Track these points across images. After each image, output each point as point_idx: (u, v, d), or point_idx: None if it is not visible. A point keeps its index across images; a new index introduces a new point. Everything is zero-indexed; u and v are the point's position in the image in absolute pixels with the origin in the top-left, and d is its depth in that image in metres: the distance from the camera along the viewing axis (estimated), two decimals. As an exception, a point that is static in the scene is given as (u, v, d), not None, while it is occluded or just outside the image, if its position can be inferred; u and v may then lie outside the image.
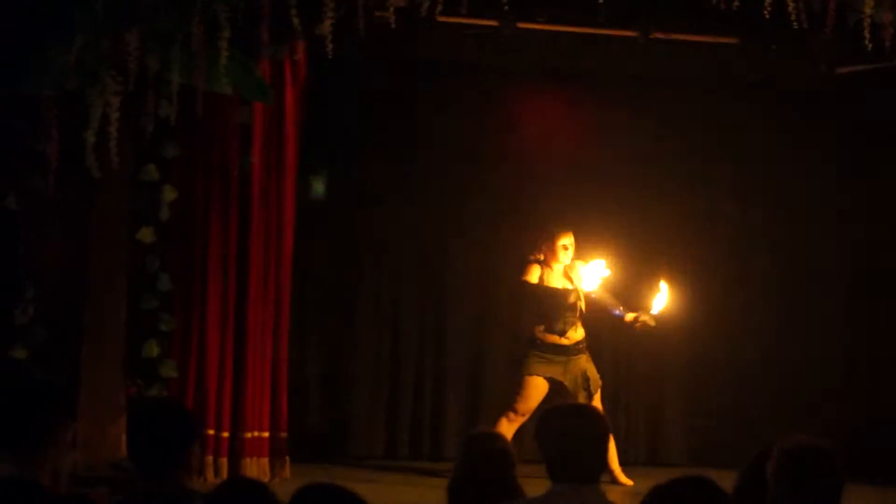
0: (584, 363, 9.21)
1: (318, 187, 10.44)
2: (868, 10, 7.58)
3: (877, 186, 10.54)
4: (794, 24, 7.85)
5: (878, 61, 8.89)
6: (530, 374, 9.19)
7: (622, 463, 10.38)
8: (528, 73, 10.42)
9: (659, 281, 9.43)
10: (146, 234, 8.51)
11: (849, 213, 10.73)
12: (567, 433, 4.28)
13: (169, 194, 8.55)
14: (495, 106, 10.57)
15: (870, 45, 7.84)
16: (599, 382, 9.19)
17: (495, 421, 9.04)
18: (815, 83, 10.22)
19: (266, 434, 8.90)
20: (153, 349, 8.49)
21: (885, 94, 10.14)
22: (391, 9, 7.61)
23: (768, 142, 10.77)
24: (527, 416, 9.05)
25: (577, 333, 9.22)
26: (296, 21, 7.50)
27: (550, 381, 9.17)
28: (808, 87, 10.38)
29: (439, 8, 7.45)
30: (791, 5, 7.59)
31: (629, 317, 9.33)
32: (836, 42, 8.68)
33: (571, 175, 10.55)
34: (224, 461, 8.73)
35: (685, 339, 10.16)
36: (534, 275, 9.26)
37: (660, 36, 9.34)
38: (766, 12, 7.37)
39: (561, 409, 4.47)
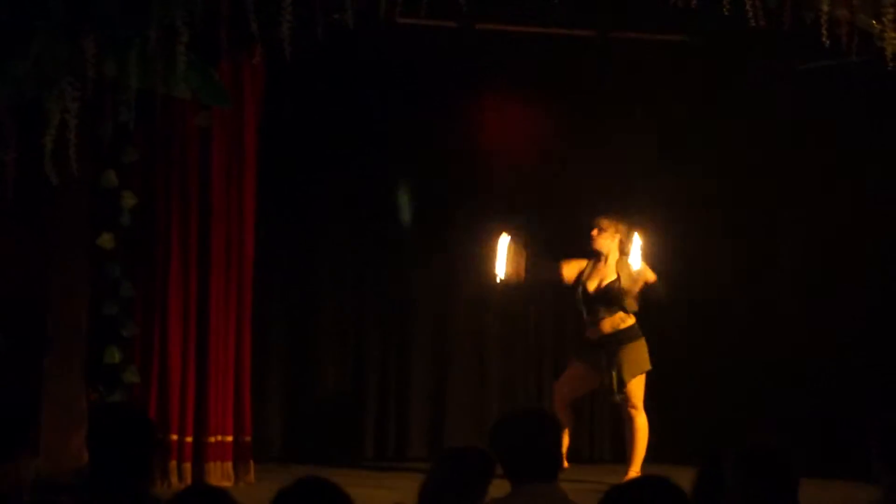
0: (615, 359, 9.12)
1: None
2: (825, 7, 7.63)
3: (838, 183, 10.58)
4: (752, 21, 7.90)
5: (835, 58, 8.93)
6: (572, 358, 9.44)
7: (587, 460, 10.49)
8: (488, 76, 10.45)
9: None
10: (107, 241, 8.47)
11: (811, 208, 10.78)
12: (522, 438, 4.31)
13: (129, 200, 8.52)
14: (455, 107, 10.59)
15: (827, 42, 7.89)
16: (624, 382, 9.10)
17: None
18: (774, 81, 10.27)
19: (230, 438, 8.89)
20: (115, 355, 8.46)
21: (844, 90, 10.20)
22: (349, 11, 7.60)
23: (727, 139, 10.80)
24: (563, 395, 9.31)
25: (604, 327, 9.19)
26: (254, 25, 7.49)
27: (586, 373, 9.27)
28: (767, 85, 10.43)
29: (398, 10, 7.46)
30: (748, 3, 7.63)
31: None
32: (794, 39, 8.73)
33: (531, 178, 10.62)
34: (188, 466, 8.70)
35: (649, 337, 10.14)
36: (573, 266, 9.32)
37: (618, 35, 9.37)
38: (725, 10, 7.39)
39: (513, 414, 4.49)
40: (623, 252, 9.20)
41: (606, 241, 9.24)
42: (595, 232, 9.24)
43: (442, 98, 10.59)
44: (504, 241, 9.22)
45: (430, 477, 4.59)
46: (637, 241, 9.11)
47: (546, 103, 10.69)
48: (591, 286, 9.22)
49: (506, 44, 9.76)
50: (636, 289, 9.14)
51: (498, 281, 9.23)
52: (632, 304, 9.13)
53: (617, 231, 9.24)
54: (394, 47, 9.68)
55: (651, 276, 9.16)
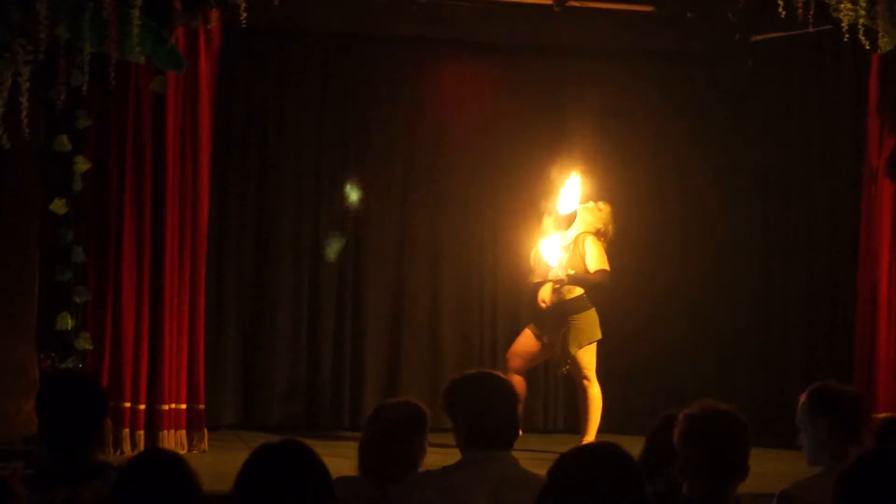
0: (563, 332, 9.07)
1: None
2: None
3: (789, 154, 10.63)
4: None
5: (792, 29, 8.95)
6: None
7: (541, 430, 10.52)
8: (444, 44, 10.44)
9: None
10: (59, 206, 8.40)
11: (761, 181, 10.83)
12: (475, 401, 4.29)
13: (81, 165, 8.45)
14: (409, 76, 10.58)
15: (784, 13, 7.91)
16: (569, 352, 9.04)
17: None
18: (730, 51, 10.30)
19: (183, 406, 8.84)
20: (67, 321, 8.39)
21: (798, 61, 10.24)
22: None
23: (682, 109, 10.83)
24: (515, 365, 9.18)
25: (550, 297, 9.10)
26: (209, -11, 7.45)
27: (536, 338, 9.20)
28: (723, 56, 10.46)
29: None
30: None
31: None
32: (751, 10, 8.75)
33: (486, 146, 10.62)
34: (141, 434, 8.65)
35: (604, 309, 10.17)
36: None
37: (575, 4, 9.35)
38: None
39: (468, 378, 4.46)
40: (597, 233, 9.16)
41: (585, 217, 9.18)
42: (582, 208, 9.19)
43: (398, 65, 10.58)
44: (553, 244, 9.13)
45: (365, 434, 4.62)
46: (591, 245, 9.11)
47: (504, 73, 10.70)
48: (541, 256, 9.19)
49: (463, 11, 9.71)
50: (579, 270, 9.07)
51: (535, 281, 9.15)
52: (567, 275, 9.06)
53: (598, 219, 9.19)
54: (350, 14, 9.64)
55: (596, 270, 9.07)
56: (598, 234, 9.16)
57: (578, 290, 9.07)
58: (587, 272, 9.03)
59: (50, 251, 8.45)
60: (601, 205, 9.21)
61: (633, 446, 3.69)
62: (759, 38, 10.01)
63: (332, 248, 10.45)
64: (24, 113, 7.31)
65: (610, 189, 9.60)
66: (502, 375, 4.54)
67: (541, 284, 9.10)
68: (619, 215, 9.46)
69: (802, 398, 4.69)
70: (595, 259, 9.04)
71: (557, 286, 9.01)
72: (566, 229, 9.17)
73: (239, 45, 9.47)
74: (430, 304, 10.70)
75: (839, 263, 10.10)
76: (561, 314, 9.01)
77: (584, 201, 9.21)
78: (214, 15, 8.54)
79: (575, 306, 9.02)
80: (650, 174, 10.82)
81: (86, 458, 4.16)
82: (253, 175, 10.39)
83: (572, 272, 8.98)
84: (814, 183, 10.44)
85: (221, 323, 10.20)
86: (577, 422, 9.32)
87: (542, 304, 9.09)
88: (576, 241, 9.09)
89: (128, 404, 8.63)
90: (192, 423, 8.92)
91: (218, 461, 7.93)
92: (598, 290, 9.12)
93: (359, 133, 10.57)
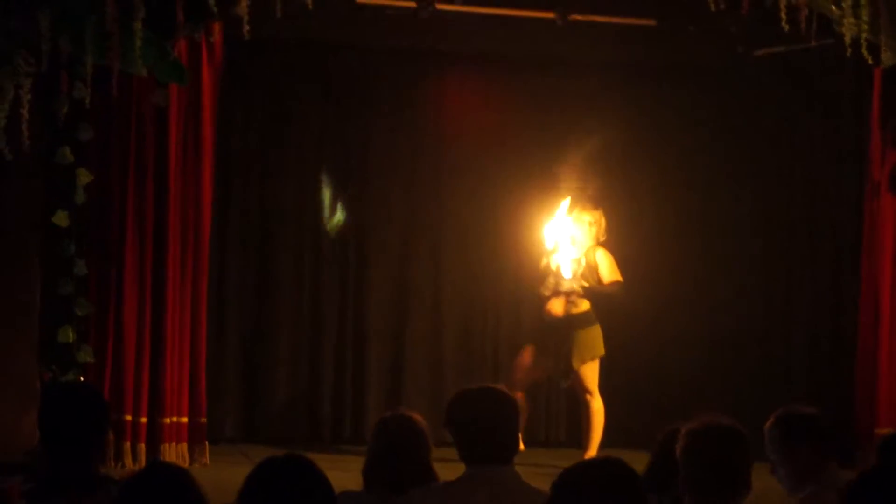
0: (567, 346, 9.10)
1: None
2: (784, -9, 7.66)
3: (791, 168, 10.63)
4: (712, 5, 7.91)
5: (794, 43, 8.95)
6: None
7: (543, 443, 10.49)
8: (447, 57, 10.44)
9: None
10: (61, 218, 8.39)
11: (764, 195, 10.82)
12: (478, 415, 4.29)
13: (84, 177, 8.44)
14: (412, 89, 10.58)
15: (786, 27, 7.91)
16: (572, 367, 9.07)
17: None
18: (732, 65, 10.30)
19: (185, 419, 8.84)
20: (69, 334, 8.38)
21: (801, 75, 10.24)
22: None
23: (684, 122, 10.82)
24: (518, 379, 9.17)
25: (558, 309, 9.14)
26: (211, 1, 7.44)
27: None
28: (725, 69, 10.46)
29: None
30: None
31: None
32: (753, 24, 8.75)
33: (488, 158, 10.61)
34: (142, 447, 8.64)
35: (605, 323, 10.17)
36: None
37: (578, 18, 9.36)
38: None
39: (469, 393, 4.46)
40: (597, 241, 9.19)
41: (591, 231, 9.22)
42: (588, 224, 9.21)
43: (401, 77, 10.58)
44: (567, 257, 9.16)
45: (369, 449, 4.63)
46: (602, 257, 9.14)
47: (507, 85, 10.70)
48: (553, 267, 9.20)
49: (466, 25, 9.72)
50: (592, 280, 9.10)
51: (546, 293, 9.17)
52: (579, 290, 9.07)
53: (598, 224, 9.23)
54: (352, 28, 9.64)
55: (611, 282, 9.12)
56: (602, 244, 9.20)
57: (585, 305, 9.09)
58: (601, 283, 9.08)
59: (52, 263, 8.44)
60: (590, 216, 9.22)
61: (636, 461, 3.68)
62: (761, 52, 10.00)
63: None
64: (26, 125, 7.31)
65: (611, 200, 9.60)
66: (504, 389, 4.53)
67: (550, 298, 9.11)
68: (620, 226, 9.48)
69: (770, 428, 4.69)
70: (609, 270, 9.11)
71: (570, 298, 9.03)
72: (573, 244, 9.20)
73: (241, 57, 9.46)
74: (432, 316, 10.67)
75: (842, 276, 10.09)
76: (566, 328, 9.02)
77: (578, 216, 9.23)
78: (217, 27, 8.54)
79: (580, 321, 9.04)
80: (652, 186, 10.81)
81: (87, 471, 4.14)
82: (255, 188, 10.39)
83: (587, 284, 9.02)
84: (816, 196, 10.44)
85: (223, 336, 10.18)
86: (580, 436, 9.31)
87: (548, 317, 9.10)
88: (586, 255, 9.12)
89: (129, 417, 8.63)
90: (194, 437, 8.91)
91: (220, 475, 7.90)
92: (613, 301, 9.15)
93: (360, 145, 10.56)
